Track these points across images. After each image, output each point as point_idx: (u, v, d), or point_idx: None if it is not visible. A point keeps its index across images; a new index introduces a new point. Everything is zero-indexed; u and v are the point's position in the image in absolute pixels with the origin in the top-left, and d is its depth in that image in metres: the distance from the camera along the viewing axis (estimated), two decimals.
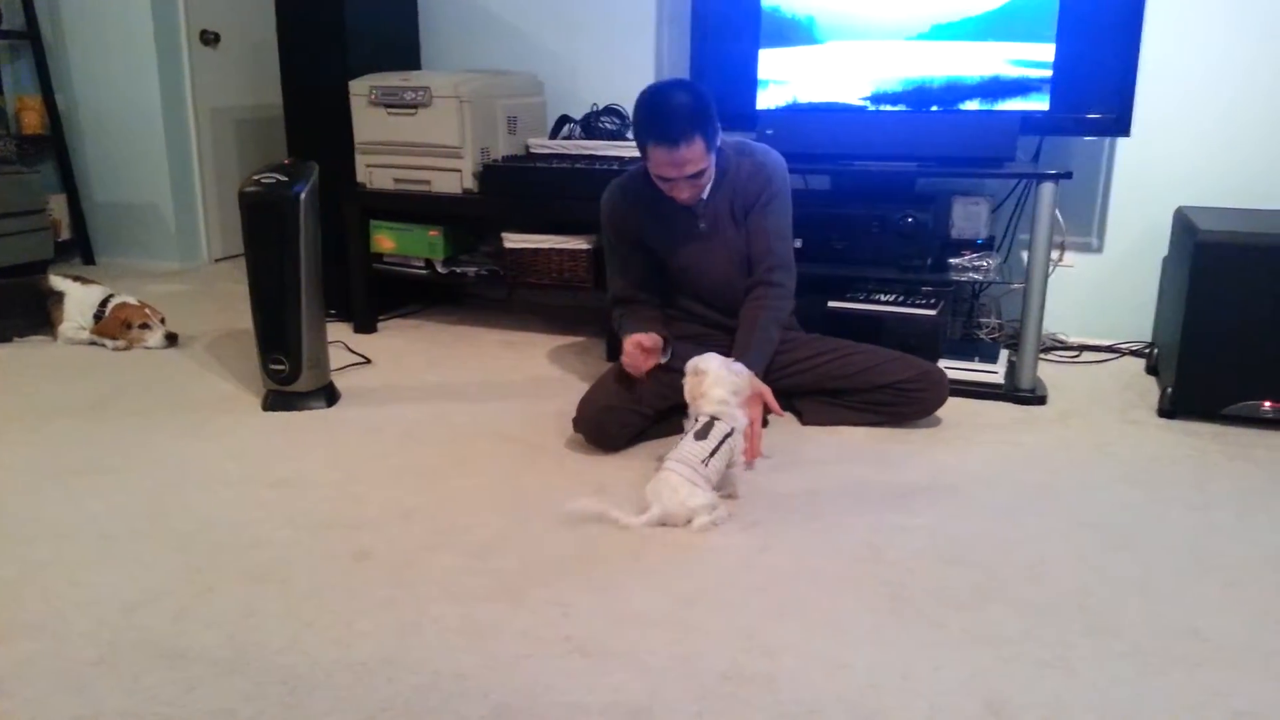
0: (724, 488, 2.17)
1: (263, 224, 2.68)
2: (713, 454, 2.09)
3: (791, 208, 2.58)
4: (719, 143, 2.42)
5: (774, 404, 2.33)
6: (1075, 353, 3.34)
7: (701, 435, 2.11)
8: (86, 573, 1.88)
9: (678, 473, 2.07)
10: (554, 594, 1.80)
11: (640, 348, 2.42)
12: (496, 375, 3.15)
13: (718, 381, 2.17)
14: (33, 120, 4.78)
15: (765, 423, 2.62)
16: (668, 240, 2.58)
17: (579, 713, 1.46)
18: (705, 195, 2.50)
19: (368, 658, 1.60)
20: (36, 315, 3.48)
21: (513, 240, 3.43)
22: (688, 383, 2.22)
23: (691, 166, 2.34)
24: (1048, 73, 2.92)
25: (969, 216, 3.17)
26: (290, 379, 2.77)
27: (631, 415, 2.46)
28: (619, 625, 1.69)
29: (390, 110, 3.46)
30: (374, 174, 3.58)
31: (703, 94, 2.33)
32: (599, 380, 2.58)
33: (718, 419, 2.13)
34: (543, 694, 1.51)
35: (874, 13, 3.05)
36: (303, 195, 2.67)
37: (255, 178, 2.70)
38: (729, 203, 2.53)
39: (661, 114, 2.30)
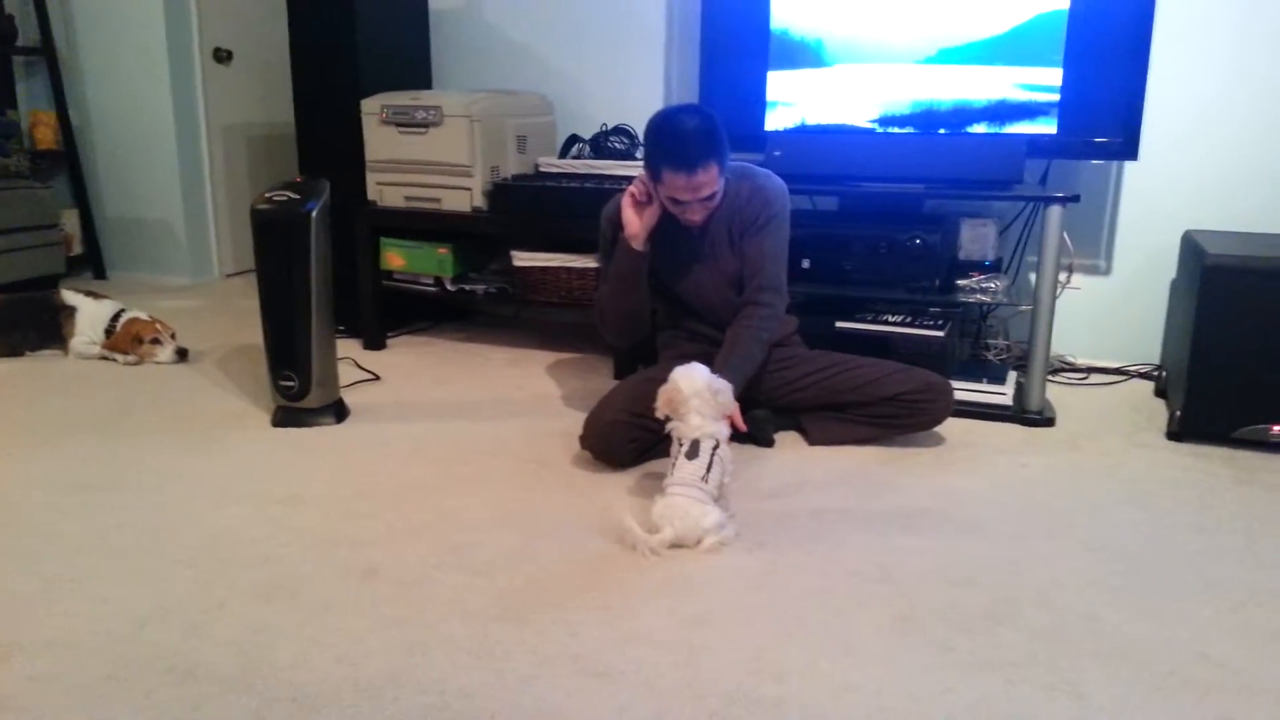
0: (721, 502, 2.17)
1: (274, 241, 2.70)
2: (708, 469, 2.11)
3: (789, 233, 2.60)
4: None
5: (739, 421, 2.32)
6: (1083, 375, 3.34)
7: (692, 455, 2.13)
8: (97, 588, 1.89)
9: (684, 495, 2.07)
10: (561, 614, 1.80)
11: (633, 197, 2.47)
12: (505, 393, 3.16)
13: (695, 410, 2.17)
14: (46, 135, 4.82)
15: (768, 441, 2.64)
16: (668, 261, 2.60)
17: None
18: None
19: (375, 675, 1.60)
20: (48, 330, 3.50)
21: (522, 258, 3.44)
22: (664, 390, 2.22)
23: (706, 189, 2.37)
24: (1055, 97, 2.93)
25: (977, 238, 3.17)
26: (300, 395, 2.78)
27: (638, 430, 2.46)
28: (626, 645, 1.70)
29: (401, 129, 3.49)
30: (384, 192, 3.60)
31: (713, 118, 2.37)
32: (606, 396, 2.59)
33: (700, 439, 2.15)
34: (549, 714, 1.51)
35: (882, 36, 3.07)
36: (314, 213, 2.68)
37: (267, 195, 2.72)
38: (727, 226, 2.55)
39: (676, 139, 2.33)
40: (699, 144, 2.32)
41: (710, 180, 2.37)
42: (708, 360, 2.43)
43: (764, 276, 2.55)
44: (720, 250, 2.58)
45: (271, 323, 2.76)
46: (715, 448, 2.14)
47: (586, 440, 2.51)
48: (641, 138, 2.43)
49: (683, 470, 2.12)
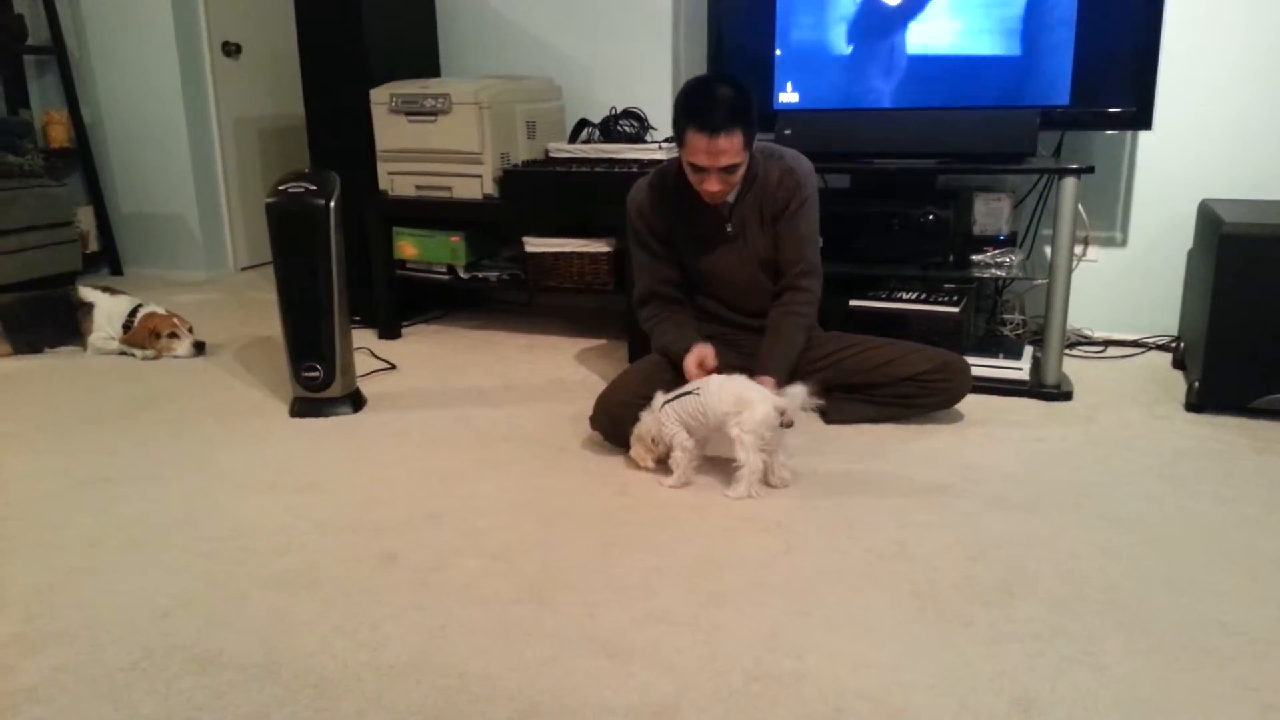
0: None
1: (295, 233, 2.71)
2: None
3: (819, 211, 2.59)
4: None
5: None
6: (1100, 348, 3.31)
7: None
8: (118, 579, 1.90)
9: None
10: (579, 595, 1.81)
11: (703, 368, 2.42)
12: (519, 379, 3.17)
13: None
14: (59, 134, 4.85)
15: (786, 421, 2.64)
16: (694, 241, 2.58)
17: (606, 713, 1.47)
18: (733, 199, 2.51)
19: (396, 660, 1.61)
20: (66, 326, 3.53)
21: (534, 244, 3.44)
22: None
23: (726, 159, 2.34)
24: (1068, 67, 2.90)
25: (991, 213, 3.15)
26: (324, 385, 2.80)
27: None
28: (644, 625, 1.70)
29: (411, 118, 3.49)
30: (395, 181, 3.60)
31: (747, 91, 2.35)
32: (618, 378, 2.59)
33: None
34: (570, 695, 1.52)
35: (891, 10, 3.04)
36: (333, 204, 2.70)
37: (282, 188, 2.72)
38: (758, 207, 2.53)
39: (705, 102, 2.32)
40: (726, 111, 2.30)
41: (733, 150, 2.33)
42: (727, 340, 2.43)
43: (804, 261, 2.56)
44: (750, 230, 2.56)
45: (293, 315, 2.77)
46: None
47: (597, 421, 2.52)
48: (673, 102, 2.41)
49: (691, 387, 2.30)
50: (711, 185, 2.41)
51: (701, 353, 2.44)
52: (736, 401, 2.19)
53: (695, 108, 2.33)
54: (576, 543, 2.02)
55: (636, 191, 2.60)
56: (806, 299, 2.56)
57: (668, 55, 3.75)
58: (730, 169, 2.38)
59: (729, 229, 2.55)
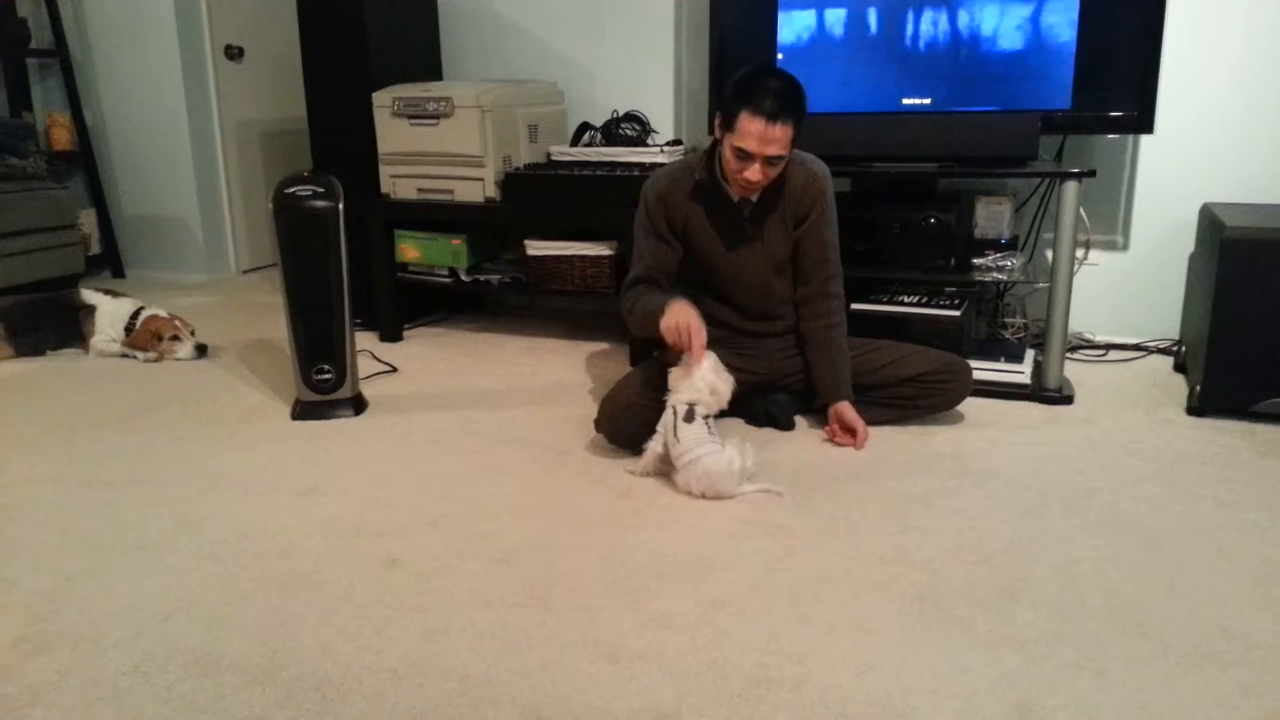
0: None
1: (304, 236, 2.72)
2: (708, 431, 2.26)
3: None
4: None
5: (863, 431, 2.53)
6: (1102, 351, 3.32)
7: (689, 419, 2.24)
8: (121, 582, 1.91)
9: (698, 455, 2.22)
10: (581, 599, 1.81)
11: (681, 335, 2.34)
12: (521, 381, 3.17)
13: (704, 382, 2.28)
14: (62, 137, 4.85)
15: (788, 424, 2.64)
16: (711, 238, 2.57)
17: (607, 717, 1.47)
18: (755, 198, 2.51)
19: (398, 664, 1.62)
20: (68, 329, 3.53)
21: (535, 247, 3.45)
22: (675, 372, 2.33)
23: (775, 149, 2.34)
24: (1069, 70, 2.91)
25: (992, 216, 3.15)
26: (335, 387, 2.81)
27: (653, 413, 2.44)
28: (646, 629, 1.70)
29: (413, 121, 3.49)
30: (397, 184, 3.61)
31: (801, 88, 2.36)
32: (622, 380, 2.59)
33: (696, 405, 2.27)
34: (571, 698, 1.52)
35: (893, 14, 3.05)
36: (341, 206, 2.71)
37: (289, 190, 2.72)
38: (780, 209, 2.54)
39: (763, 88, 2.32)
40: (784, 100, 2.31)
41: (782, 141, 2.33)
42: (719, 346, 2.42)
43: (830, 266, 2.60)
44: (769, 232, 2.56)
45: (303, 317, 2.77)
46: (707, 417, 2.27)
47: (601, 423, 2.52)
48: (729, 86, 2.41)
49: (686, 435, 2.23)
50: (753, 174, 2.39)
51: (682, 316, 2.34)
52: (703, 482, 2.23)
53: (753, 91, 2.32)
54: (578, 546, 2.02)
55: (657, 179, 2.58)
56: (839, 306, 2.61)
57: (670, 59, 3.75)
58: (774, 161, 2.37)
59: (749, 228, 2.55)
